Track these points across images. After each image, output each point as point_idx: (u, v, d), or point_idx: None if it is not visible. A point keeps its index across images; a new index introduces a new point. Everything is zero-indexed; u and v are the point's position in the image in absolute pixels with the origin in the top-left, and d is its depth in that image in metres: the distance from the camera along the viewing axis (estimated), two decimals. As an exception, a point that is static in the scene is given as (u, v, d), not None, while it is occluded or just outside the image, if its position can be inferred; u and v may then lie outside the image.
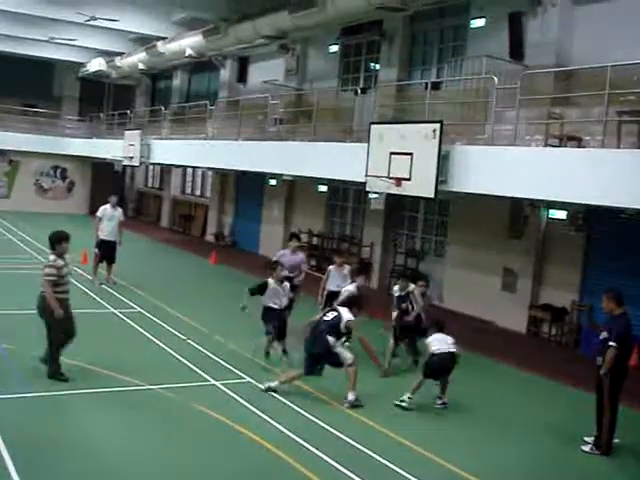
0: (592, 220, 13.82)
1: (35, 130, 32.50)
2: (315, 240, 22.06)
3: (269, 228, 24.58)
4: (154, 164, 28.53)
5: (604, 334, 8.27)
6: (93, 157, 31.60)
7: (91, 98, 36.08)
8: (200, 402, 8.76)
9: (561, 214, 13.97)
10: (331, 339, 9.12)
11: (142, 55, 28.55)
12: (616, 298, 8.39)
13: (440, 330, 9.59)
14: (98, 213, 16.45)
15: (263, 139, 19.33)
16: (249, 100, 22.16)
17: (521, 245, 15.08)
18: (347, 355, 9.20)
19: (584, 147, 11.56)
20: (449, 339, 9.39)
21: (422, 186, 12.46)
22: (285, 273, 11.24)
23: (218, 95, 27.62)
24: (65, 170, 33.97)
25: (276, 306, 10.67)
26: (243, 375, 10.11)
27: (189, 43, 24.60)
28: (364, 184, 13.87)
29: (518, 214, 14.98)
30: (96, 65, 32.92)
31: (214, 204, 28.53)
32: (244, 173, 22.78)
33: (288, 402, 9.09)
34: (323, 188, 21.47)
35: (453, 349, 9.30)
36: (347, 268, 12.37)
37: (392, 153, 13.07)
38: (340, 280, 11.98)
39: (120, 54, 30.70)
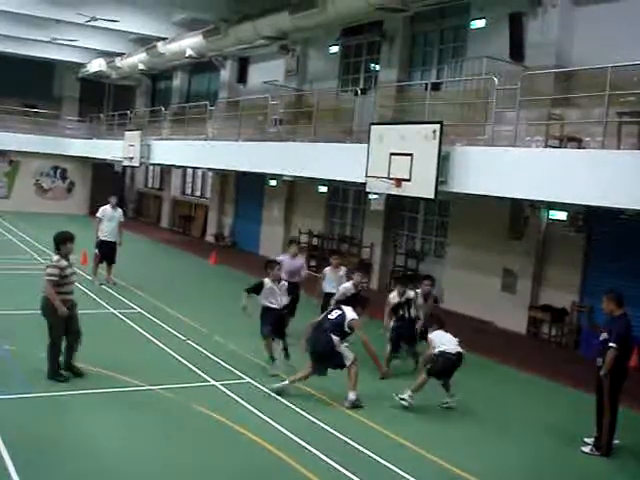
0: (592, 221, 13.83)
1: (35, 131, 32.51)
2: (315, 241, 22.07)
3: (269, 229, 24.59)
4: (154, 165, 28.55)
5: (604, 335, 8.27)
6: (93, 158, 31.61)
7: (91, 99, 36.10)
8: (200, 403, 8.76)
9: (561, 215, 13.97)
10: (335, 338, 9.11)
11: (142, 56, 28.58)
12: (616, 299, 8.39)
13: (441, 327, 9.57)
14: (98, 214, 16.46)
15: (263, 140, 19.35)
16: (249, 101, 22.18)
17: (521, 246, 15.08)
18: (349, 355, 9.20)
19: (584, 148, 11.57)
20: (454, 339, 9.37)
21: (422, 187, 12.46)
22: (284, 278, 11.22)
23: (218, 96, 27.64)
24: (65, 170, 33.98)
25: (274, 305, 10.57)
26: (243, 375, 10.11)
27: (189, 44, 24.63)
28: (364, 185, 13.88)
29: (518, 215, 14.99)
30: (96, 66, 32.96)
31: (214, 205, 28.53)
32: (244, 174, 22.79)
33: (288, 403, 9.09)
34: (323, 189, 21.47)
35: (460, 349, 9.28)
36: (343, 269, 12.37)
37: (392, 154, 13.08)
38: (337, 282, 11.97)
39: (120, 55, 30.73)
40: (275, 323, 10.56)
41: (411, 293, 11.15)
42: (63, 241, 9.20)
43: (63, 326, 9.09)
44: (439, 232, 18.14)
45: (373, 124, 14.12)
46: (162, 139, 26.04)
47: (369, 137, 13.73)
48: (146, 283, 16.50)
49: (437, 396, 9.51)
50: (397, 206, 18.33)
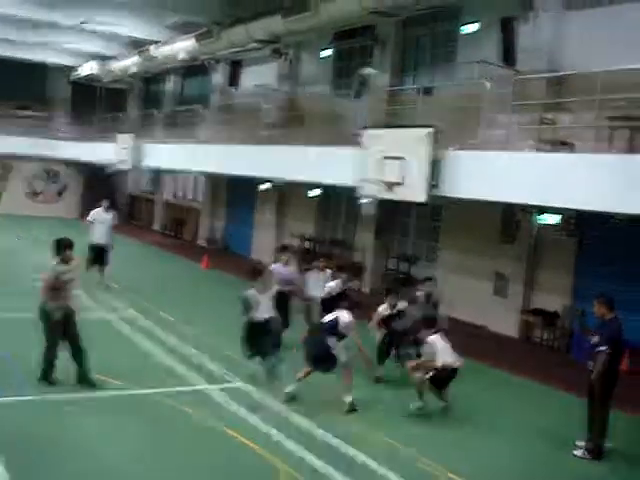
0: (584, 225, 13.87)
1: (27, 133, 32.33)
2: (307, 244, 22.05)
3: (261, 232, 24.55)
4: (146, 168, 28.45)
5: (595, 339, 8.30)
6: (85, 160, 31.50)
7: (83, 102, 35.91)
8: (193, 407, 8.73)
9: (552, 220, 13.99)
10: (332, 340, 9.10)
11: (135, 59, 28.49)
12: (607, 303, 8.42)
13: (439, 331, 9.47)
14: (89, 217, 16.40)
15: (255, 143, 19.33)
16: (242, 104, 22.16)
17: (513, 250, 15.11)
18: (344, 357, 9.19)
19: (575, 152, 11.61)
20: (450, 348, 9.27)
21: (414, 191, 12.49)
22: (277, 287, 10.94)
23: (210, 99, 27.60)
24: (57, 173, 33.86)
25: (261, 319, 9.80)
26: (236, 380, 10.09)
27: (182, 47, 24.57)
28: (356, 188, 13.88)
29: (510, 219, 15.02)
30: (88, 69, 32.85)
31: (206, 208, 28.49)
32: (236, 177, 22.76)
33: (280, 406, 9.07)
34: (315, 192, 21.44)
35: (458, 364, 9.24)
36: (329, 272, 12.30)
37: (384, 157, 13.11)
38: (323, 284, 11.92)
39: (113, 58, 30.65)
40: (257, 337, 9.75)
41: (403, 304, 10.83)
42: (62, 247, 9.20)
43: (59, 330, 9.06)
44: (431, 236, 18.16)
45: (365, 128, 14.14)
46: (154, 142, 25.98)
47: (361, 141, 13.75)
48: (138, 286, 16.45)
49: (430, 400, 9.51)
50: (389, 210, 18.35)
